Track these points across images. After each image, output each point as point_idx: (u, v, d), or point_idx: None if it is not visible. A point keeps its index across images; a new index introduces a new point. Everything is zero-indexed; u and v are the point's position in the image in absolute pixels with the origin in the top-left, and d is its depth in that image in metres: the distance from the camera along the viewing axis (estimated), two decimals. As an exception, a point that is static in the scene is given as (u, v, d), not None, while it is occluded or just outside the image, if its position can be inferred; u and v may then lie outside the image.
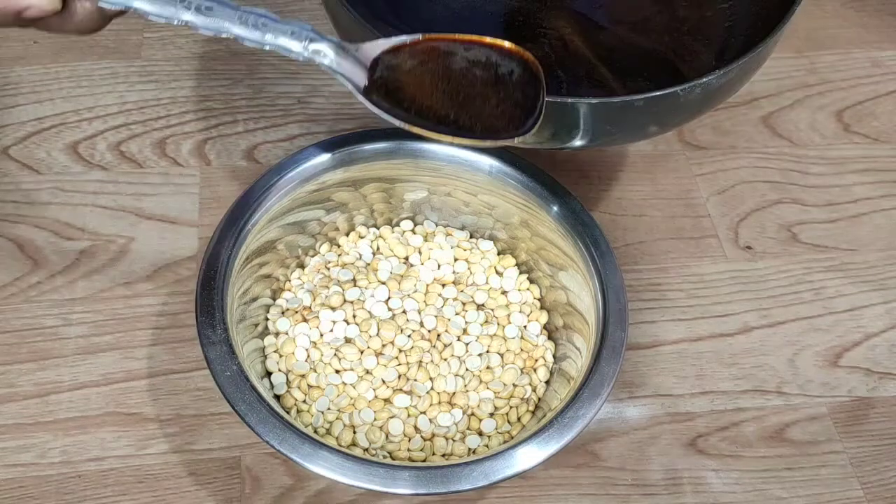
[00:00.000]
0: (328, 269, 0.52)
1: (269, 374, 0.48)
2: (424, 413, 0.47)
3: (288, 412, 0.46)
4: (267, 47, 0.36)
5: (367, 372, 0.48)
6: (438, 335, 0.49)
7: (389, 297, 0.50)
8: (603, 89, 0.50)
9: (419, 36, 0.40)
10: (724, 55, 0.52)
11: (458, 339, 0.49)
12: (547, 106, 0.40)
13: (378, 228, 0.54)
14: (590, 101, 0.41)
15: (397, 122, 0.39)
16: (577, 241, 0.48)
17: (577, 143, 0.45)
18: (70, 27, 0.35)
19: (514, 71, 0.40)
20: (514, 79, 0.40)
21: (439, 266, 0.53)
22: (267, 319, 0.50)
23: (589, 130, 0.43)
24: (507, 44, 0.41)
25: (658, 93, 0.41)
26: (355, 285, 0.51)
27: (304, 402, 0.47)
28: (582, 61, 0.52)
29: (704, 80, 0.41)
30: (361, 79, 0.39)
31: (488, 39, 0.41)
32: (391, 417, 0.47)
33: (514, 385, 0.48)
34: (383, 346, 0.49)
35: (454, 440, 0.47)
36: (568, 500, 0.48)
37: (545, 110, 0.40)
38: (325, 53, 0.37)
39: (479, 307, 0.51)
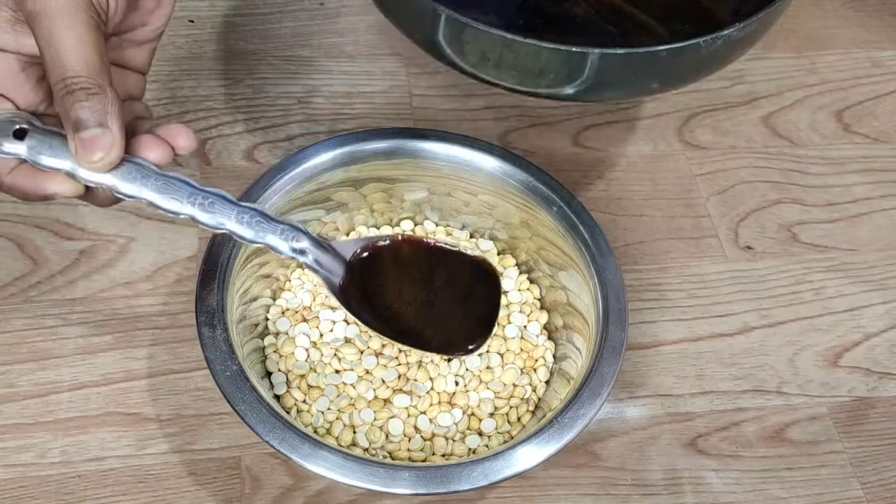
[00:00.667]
0: (328, 269, 0.52)
1: (269, 374, 0.48)
2: (424, 413, 0.47)
3: (288, 412, 0.46)
4: (257, 244, 0.40)
5: (367, 372, 0.48)
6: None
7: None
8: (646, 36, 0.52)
9: (392, 237, 0.47)
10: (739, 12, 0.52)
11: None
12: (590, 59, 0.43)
13: (378, 228, 0.54)
14: (610, 52, 0.42)
15: (363, 326, 0.45)
16: (577, 241, 0.48)
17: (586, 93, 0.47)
18: (97, 202, 0.39)
19: (478, 283, 0.48)
20: (477, 292, 0.48)
21: (439, 266, 0.53)
22: (267, 319, 0.50)
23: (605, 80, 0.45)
24: (473, 253, 0.48)
25: (680, 44, 0.42)
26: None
27: (304, 402, 0.47)
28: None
29: (725, 32, 0.42)
30: (339, 274, 0.44)
31: (458, 249, 0.48)
32: (391, 417, 0.47)
33: (514, 385, 0.48)
34: (383, 346, 0.49)
35: (454, 440, 0.47)
36: (568, 500, 0.48)
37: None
38: (308, 252, 0.42)
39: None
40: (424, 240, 0.48)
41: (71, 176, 0.36)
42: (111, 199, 0.38)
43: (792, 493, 0.49)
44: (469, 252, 0.48)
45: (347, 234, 0.54)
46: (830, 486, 0.49)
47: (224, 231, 0.39)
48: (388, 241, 0.46)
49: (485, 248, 0.54)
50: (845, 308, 0.56)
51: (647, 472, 0.49)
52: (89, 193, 0.38)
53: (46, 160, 0.36)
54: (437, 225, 0.54)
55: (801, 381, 0.53)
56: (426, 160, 0.51)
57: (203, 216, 0.38)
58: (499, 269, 0.53)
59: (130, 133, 0.37)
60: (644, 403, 0.51)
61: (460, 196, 0.52)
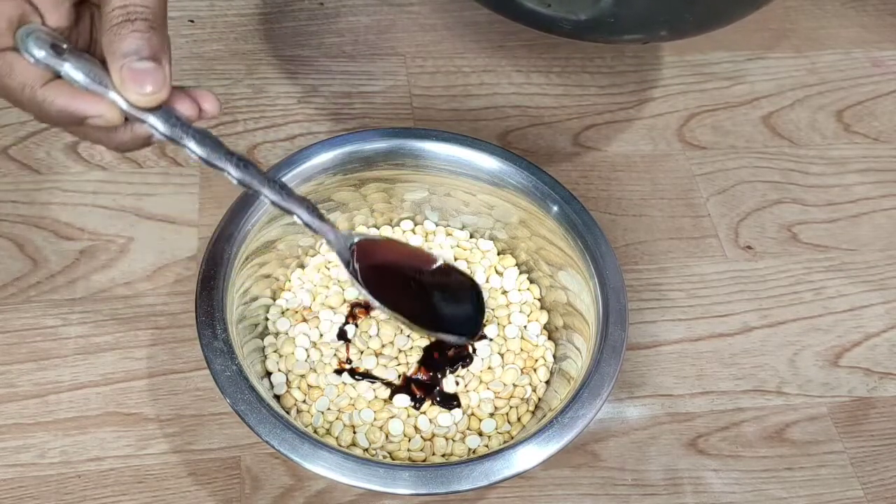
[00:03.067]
0: (328, 268, 0.52)
1: (269, 374, 0.48)
2: (424, 413, 0.47)
3: (288, 412, 0.46)
4: (282, 208, 0.41)
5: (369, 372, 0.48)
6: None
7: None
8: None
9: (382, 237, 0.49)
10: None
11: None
12: None
13: (378, 228, 0.54)
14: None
15: (381, 308, 0.46)
16: (577, 241, 0.48)
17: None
18: (114, 144, 0.37)
19: (462, 290, 0.50)
20: (462, 296, 0.49)
21: (439, 266, 0.52)
22: (267, 319, 0.50)
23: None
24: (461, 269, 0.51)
25: None
26: (355, 285, 0.51)
27: (304, 402, 0.47)
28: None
29: None
30: (346, 255, 0.45)
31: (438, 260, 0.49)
32: (391, 417, 0.47)
33: (514, 385, 0.48)
34: (383, 346, 0.49)
35: (454, 440, 0.47)
36: (568, 500, 0.48)
37: None
38: (327, 232, 0.43)
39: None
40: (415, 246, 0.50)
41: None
42: (141, 141, 0.37)
43: (792, 493, 0.49)
44: (456, 267, 0.51)
45: (347, 234, 0.54)
46: (830, 486, 0.49)
47: (252, 189, 0.39)
48: (378, 240, 0.47)
49: (485, 248, 0.54)
50: (845, 308, 0.56)
51: (647, 472, 0.49)
52: (119, 130, 0.36)
53: (86, 80, 0.34)
54: (436, 225, 0.54)
55: (801, 381, 0.53)
56: (426, 160, 0.51)
57: (237, 173, 0.39)
58: (499, 268, 0.53)
59: None
60: (644, 403, 0.51)
61: (460, 196, 0.52)
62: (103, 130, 0.36)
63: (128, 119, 0.36)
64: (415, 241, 0.54)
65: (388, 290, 0.46)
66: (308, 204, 0.41)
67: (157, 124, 0.36)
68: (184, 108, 0.36)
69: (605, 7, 0.47)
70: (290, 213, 0.41)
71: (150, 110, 0.35)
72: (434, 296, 0.49)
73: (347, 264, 0.44)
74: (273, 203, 0.40)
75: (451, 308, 0.49)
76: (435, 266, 0.49)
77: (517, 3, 0.50)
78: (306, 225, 0.41)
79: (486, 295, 0.50)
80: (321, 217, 0.42)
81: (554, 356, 0.50)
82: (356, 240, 0.45)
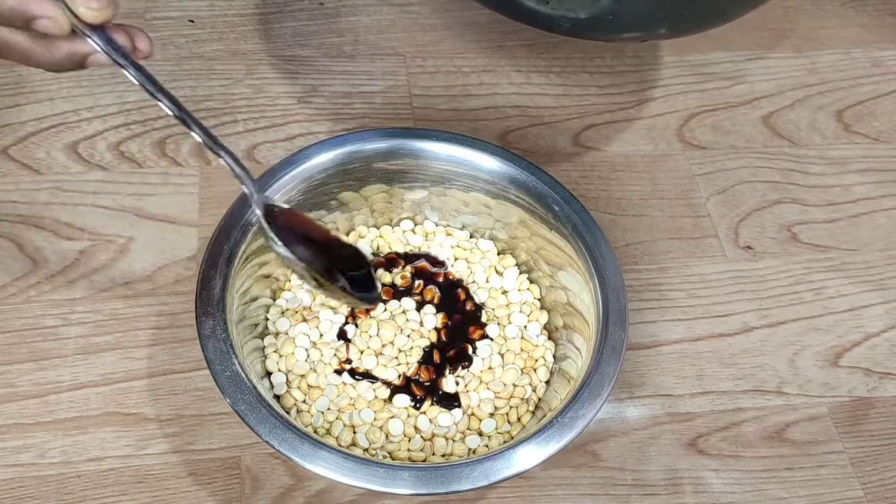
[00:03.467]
0: (328, 269, 0.52)
1: (269, 374, 0.48)
2: (424, 413, 0.47)
3: (288, 412, 0.46)
4: (212, 149, 0.41)
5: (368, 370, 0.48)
6: (437, 333, 0.49)
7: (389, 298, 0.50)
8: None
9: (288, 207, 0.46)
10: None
11: (459, 339, 0.49)
12: None
13: (378, 228, 0.54)
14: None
15: (298, 263, 0.44)
16: (577, 241, 0.48)
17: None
18: (48, 59, 0.39)
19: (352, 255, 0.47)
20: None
21: (439, 266, 0.53)
22: (267, 319, 0.50)
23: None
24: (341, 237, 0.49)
25: None
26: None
27: (304, 402, 0.47)
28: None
29: None
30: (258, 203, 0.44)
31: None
32: (391, 417, 0.47)
33: (514, 385, 0.48)
34: (383, 346, 0.49)
35: (454, 440, 0.47)
36: (568, 500, 0.48)
37: None
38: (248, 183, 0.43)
39: (479, 307, 0.51)
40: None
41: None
42: (77, 59, 0.39)
43: (792, 493, 0.49)
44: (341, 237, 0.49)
45: (347, 234, 0.54)
46: (830, 486, 0.49)
47: (188, 127, 0.41)
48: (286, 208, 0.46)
49: (484, 248, 0.54)
50: (845, 308, 0.56)
51: (647, 472, 0.49)
52: (59, 43, 0.38)
53: None
54: (436, 225, 0.54)
55: (801, 381, 0.53)
56: (426, 160, 0.51)
57: (172, 107, 0.41)
58: (499, 268, 0.53)
59: None
60: (644, 403, 0.51)
61: (460, 196, 0.52)
62: (43, 41, 0.38)
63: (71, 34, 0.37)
64: (415, 241, 0.54)
65: (300, 247, 0.45)
66: (232, 155, 0.42)
67: (99, 42, 0.38)
68: (121, 39, 0.39)
69: (604, 5, 0.47)
70: (217, 154, 0.42)
71: (93, 28, 0.37)
72: (336, 261, 0.47)
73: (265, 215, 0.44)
74: (204, 144, 0.41)
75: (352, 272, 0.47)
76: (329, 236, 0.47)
77: (517, 2, 0.50)
78: (234, 173, 0.42)
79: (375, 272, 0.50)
80: (243, 167, 0.43)
81: (554, 356, 0.50)
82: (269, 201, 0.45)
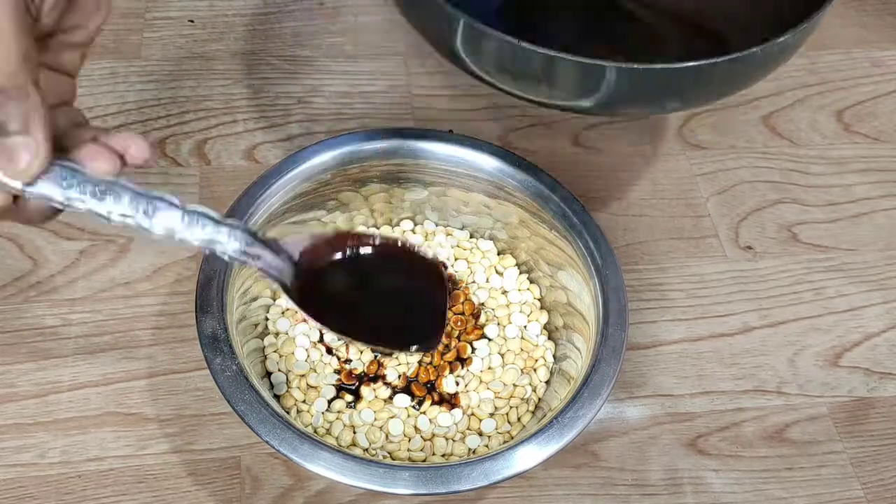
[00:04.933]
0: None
1: (269, 374, 0.48)
2: (424, 413, 0.47)
3: (288, 412, 0.46)
4: (208, 249, 0.36)
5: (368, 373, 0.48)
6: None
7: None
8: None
9: (334, 233, 0.42)
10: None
11: (459, 340, 0.49)
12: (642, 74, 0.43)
13: (378, 228, 0.54)
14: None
15: (316, 325, 0.40)
16: (577, 241, 0.48)
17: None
18: (20, 219, 0.34)
19: (423, 280, 0.42)
20: (423, 289, 0.42)
21: (439, 266, 0.52)
22: (267, 319, 0.50)
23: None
24: (415, 247, 0.42)
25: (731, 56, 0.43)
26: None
27: (304, 402, 0.47)
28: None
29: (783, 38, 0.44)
30: (289, 275, 0.39)
31: (398, 242, 0.42)
32: (391, 417, 0.47)
33: (514, 385, 0.48)
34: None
35: (454, 440, 0.47)
36: (568, 500, 0.48)
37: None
38: (261, 256, 0.37)
39: (479, 307, 0.51)
40: (373, 235, 0.43)
41: None
42: (43, 214, 0.34)
43: (792, 493, 0.49)
44: (419, 251, 0.43)
45: (347, 234, 0.54)
46: (830, 486, 0.49)
47: (173, 241, 0.35)
48: (333, 236, 0.41)
49: (484, 248, 0.54)
50: (845, 308, 0.56)
51: (647, 472, 0.49)
52: (17, 207, 0.33)
53: None
54: (436, 225, 0.54)
55: (801, 381, 0.53)
56: (426, 160, 0.51)
57: (147, 222, 0.34)
58: (499, 268, 0.53)
59: (70, 142, 0.34)
60: (644, 403, 0.51)
61: (460, 196, 0.52)
62: (5, 211, 0.33)
63: (16, 198, 0.33)
64: (414, 240, 0.54)
65: (336, 302, 0.41)
66: (237, 231, 0.36)
67: (48, 193, 0.32)
68: (97, 165, 0.33)
69: (603, 95, 0.45)
70: (223, 253, 0.36)
71: (36, 181, 0.32)
72: (393, 299, 0.43)
73: (289, 288, 0.38)
74: (197, 245, 0.35)
75: (413, 308, 0.43)
76: (396, 251, 0.42)
77: (512, 92, 0.49)
78: (261, 270, 0.37)
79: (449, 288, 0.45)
80: (256, 240, 0.37)
81: (554, 356, 0.50)
82: (299, 252, 0.39)
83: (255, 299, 0.49)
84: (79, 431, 0.48)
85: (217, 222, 0.35)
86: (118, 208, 0.34)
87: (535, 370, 0.49)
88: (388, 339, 0.41)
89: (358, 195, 0.52)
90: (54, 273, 0.54)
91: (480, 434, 0.47)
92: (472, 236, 0.54)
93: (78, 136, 0.35)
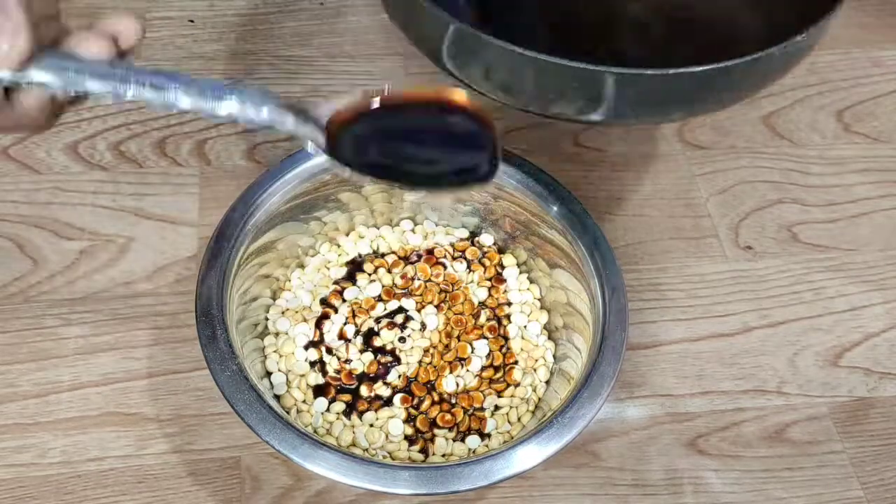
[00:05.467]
0: (328, 268, 0.52)
1: (269, 374, 0.48)
2: (425, 413, 0.47)
3: (288, 412, 0.46)
4: (219, 118, 0.34)
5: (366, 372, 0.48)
6: (439, 335, 0.49)
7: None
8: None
9: (371, 99, 0.38)
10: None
11: (459, 340, 0.49)
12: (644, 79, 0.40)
13: (378, 228, 0.54)
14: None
15: (367, 179, 0.38)
16: (577, 241, 0.48)
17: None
18: (9, 123, 0.32)
19: (467, 125, 0.39)
20: (467, 133, 0.39)
21: (439, 266, 0.53)
22: (267, 319, 0.50)
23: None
24: (456, 96, 0.39)
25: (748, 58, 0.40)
26: (355, 285, 0.51)
27: (304, 402, 0.47)
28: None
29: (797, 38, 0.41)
30: (320, 139, 0.36)
31: (439, 94, 0.39)
32: (391, 417, 0.47)
33: (515, 385, 0.48)
34: (383, 345, 0.49)
35: (454, 440, 0.47)
36: (568, 500, 0.48)
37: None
38: (284, 119, 0.35)
39: (480, 307, 0.51)
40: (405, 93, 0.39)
41: None
42: (43, 109, 0.32)
43: (792, 493, 0.49)
44: (460, 100, 0.39)
45: (347, 234, 0.54)
46: (830, 486, 0.49)
47: (180, 110, 0.33)
48: (360, 100, 0.38)
49: (484, 248, 0.54)
50: (845, 308, 0.56)
51: (647, 472, 0.49)
52: (10, 104, 0.32)
53: None
54: (436, 225, 0.54)
55: (801, 381, 0.53)
56: (426, 160, 0.51)
57: (151, 94, 0.32)
58: (497, 269, 0.53)
59: (58, 34, 0.32)
60: (644, 403, 0.51)
61: (460, 196, 0.52)
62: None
63: (8, 91, 0.31)
64: (414, 240, 0.54)
65: (379, 151, 0.38)
66: (250, 98, 0.34)
67: (41, 79, 0.30)
68: (89, 49, 0.31)
69: (608, 108, 0.43)
70: (255, 125, 0.34)
71: (25, 68, 0.30)
72: (438, 142, 0.40)
73: (324, 146, 0.36)
74: (211, 116, 0.33)
75: (458, 147, 0.40)
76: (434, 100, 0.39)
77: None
78: (287, 131, 0.34)
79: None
80: (279, 106, 0.34)
81: (554, 356, 0.50)
82: (326, 118, 0.36)
83: (255, 299, 0.49)
84: (79, 431, 0.48)
85: (237, 90, 0.33)
86: (118, 86, 0.31)
87: (535, 370, 0.49)
88: (439, 180, 0.39)
89: (358, 195, 0.52)
90: (54, 273, 0.54)
91: (480, 434, 0.47)
92: (472, 236, 0.54)
93: (65, 28, 0.33)
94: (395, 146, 0.39)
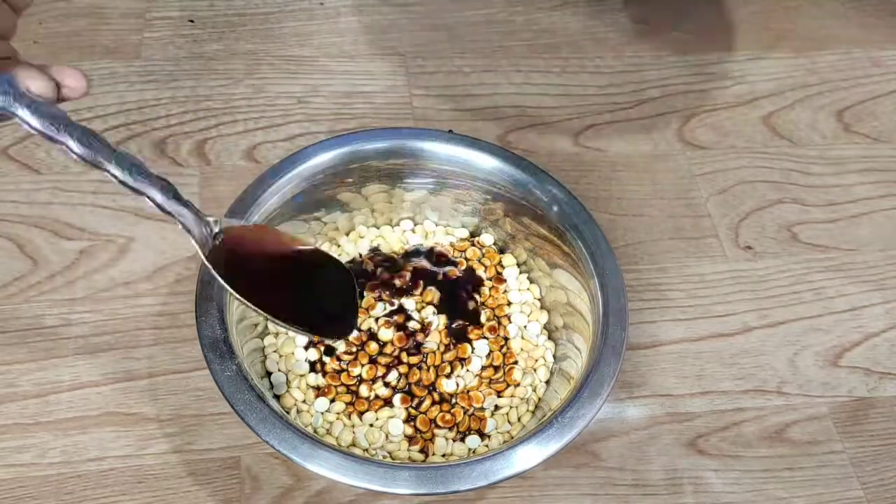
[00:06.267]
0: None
1: (269, 374, 0.48)
2: (425, 413, 0.47)
3: (288, 412, 0.46)
4: (133, 188, 0.36)
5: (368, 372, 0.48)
6: (439, 335, 0.49)
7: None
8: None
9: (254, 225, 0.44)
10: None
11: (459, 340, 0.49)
12: None
13: (378, 228, 0.54)
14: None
15: (237, 297, 0.41)
16: (577, 241, 0.48)
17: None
18: None
19: (334, 276, 0.45)
20: (337, 288, 0.45)
21: (439, 266, 0.52)
22: (267, 319, 0.50)
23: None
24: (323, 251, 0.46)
25: None
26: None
27: (304, 402, 0.47)
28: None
29: None
30: (207, 246, 0.40)
31: (309, 247, 0.45)
32: (391, 417, 0.47)
33: (515, 385, 0.48)
34: (383, 345, 0.49)
35: (454, 440, 0.47)
36: (568, 500, 0.48)
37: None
38: (184, 216, 0.38)
39: (480, 307, 0.51)
40: (289, 235, 0.46)
41: None
42: None
43: (792, 493, 0.49)
44: (330, 255, 0.47)
45: (347, 234, 0.54)
46: (830, 486, 0.49)
47: (96, 166, 0.35)
48: (253, 228, 0.44)
49: (484, 248, 0.54)
50: (845, 308, 0.56)
51: (647, 472, 0.49)
52: None
53: None
54: (436, 224, 0.54)
55: (801, 381, 0.53)
56: (426, 160, 0.51)
57: (78, 147, 0.34)
58: (497, 269, 0.53)
59: (5, 65, 0.34)
60: (644, 403, 0.51)
61: (459, 196, 0.52)
62: None
63: None
64: (414, 240, 0.54)
65: (257, 282, 0.42)
66: (163, 184, 0.37)
67: None
68: (35, 84, 0.33)
69: None
70: (139, 193, 0.36)
71: None
72: (307, 289, 0.44)
73: (207, 254, 0.40)
74: (121, 182, 0.36)
75: (326, 302, 0.45)
76: (307, 253, 0.45)
77: None
78: (159, 207, 0.37)
79: (359, 289, 0.47)
80: (178, 198, 0.38)
81: (554, 356, 0.50)
82: (220, 227, 0.41)
83: (255, 299, 0.48)
84: (79, 431, 0.48)
85: (142, 172, 0.36)
86: (44, 124, 0.33)
87: (535, 370, 0.49)
88: (305, 323, 0.42)
89: (358, 195, 0.52)
90: (54, 273, 0.54)
91: (480, 434, 0.47)
92: (471, 236, 0.54)
93: (14, 52, 0.34)
94: (271, 283, 0.43)
